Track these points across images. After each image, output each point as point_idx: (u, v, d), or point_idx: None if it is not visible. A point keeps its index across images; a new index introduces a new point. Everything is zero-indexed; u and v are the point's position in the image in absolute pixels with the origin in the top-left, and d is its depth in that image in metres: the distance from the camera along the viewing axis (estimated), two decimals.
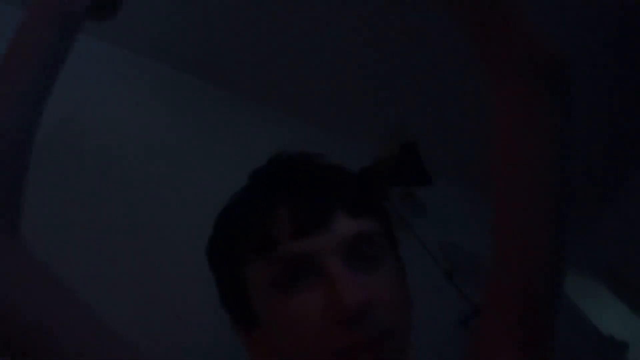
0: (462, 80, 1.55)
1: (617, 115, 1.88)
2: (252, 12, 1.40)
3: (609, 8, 1.57)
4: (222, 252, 0.57)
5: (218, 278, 0.58)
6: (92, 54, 1.26)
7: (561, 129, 0.57)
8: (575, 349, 1.56)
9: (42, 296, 0.48)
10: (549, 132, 0.57)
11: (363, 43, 1.51)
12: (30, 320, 0.46)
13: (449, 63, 1.56)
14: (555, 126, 0.57)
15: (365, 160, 1.42)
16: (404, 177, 1.56)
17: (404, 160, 1.57)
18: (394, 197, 1.49)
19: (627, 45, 1.70)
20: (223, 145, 1.41)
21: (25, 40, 0.55)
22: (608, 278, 1.94)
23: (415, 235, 1.44)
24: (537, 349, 0.54)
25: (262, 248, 0.51)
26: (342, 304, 0.46)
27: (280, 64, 1.48)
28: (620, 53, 1.73)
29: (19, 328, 0.46)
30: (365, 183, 0.58)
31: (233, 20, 1.40)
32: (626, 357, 1.68)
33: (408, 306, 0.54)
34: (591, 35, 1.67)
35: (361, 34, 1.50)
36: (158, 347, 1.04)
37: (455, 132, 1.71)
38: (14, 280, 0.47)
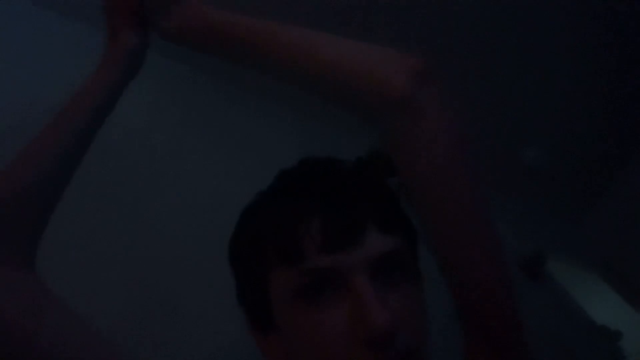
0: (459, 77, 1.56)
1: (613, 107, 1.88)
2: (254, 10, 1.39)
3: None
4: (246, 253, 0.55)
5: (239, 277, 0.57)
6: (93, 46, 1.26)
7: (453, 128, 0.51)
8: (570, 338, 1.58)
9: (59, 330, 0.47)
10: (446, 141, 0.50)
11: (359, 38, 1.50)
12: (47, 353, 0.45)
13: (445, 59, 1.56)
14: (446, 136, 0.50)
15: (360, 151, 1.42)
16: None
17: None
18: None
19: (626, 39, 1.71)
20: (223, 141, 1.41)
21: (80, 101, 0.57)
22: (602, 268, 1.96)
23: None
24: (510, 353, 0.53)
25: (290, 258, 0.49)
26: (370, 324, 0.45)
27: None
28: (619, 44, 1.73)
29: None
30: (395, 196, 0.56)
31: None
32: (619, 347, 1.70)
33: (428, 324, 0.53)
34: (590, 30, 1.68)
35: (358, 28, 1.50)
36: (158, 348, 1.05)
37: None
38: (31, 315, 0.46)
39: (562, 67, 1.73)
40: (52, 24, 1.29)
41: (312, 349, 0.48)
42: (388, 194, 0.56)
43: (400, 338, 0.46)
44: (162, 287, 1.12)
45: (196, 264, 1.13)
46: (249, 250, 0.55)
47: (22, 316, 0.45)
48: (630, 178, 1.98)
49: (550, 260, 1.71)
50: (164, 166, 1.28)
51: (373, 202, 0.52)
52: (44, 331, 0.46)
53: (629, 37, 1.68)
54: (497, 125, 1.80)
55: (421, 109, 0.50)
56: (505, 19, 1.61)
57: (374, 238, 0.50)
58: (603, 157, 1.97)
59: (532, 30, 1.63)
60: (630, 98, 1.83)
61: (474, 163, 0.52)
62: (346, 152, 0.61)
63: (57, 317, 0.48)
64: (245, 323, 0.57)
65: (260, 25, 0.55)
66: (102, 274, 1.09)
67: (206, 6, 0.58)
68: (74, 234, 1.08)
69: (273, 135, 1.43)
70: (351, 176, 0.55)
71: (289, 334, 0.51)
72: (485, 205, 0.52)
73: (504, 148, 1.86)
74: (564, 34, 1.66)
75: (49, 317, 0.47)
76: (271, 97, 1.50)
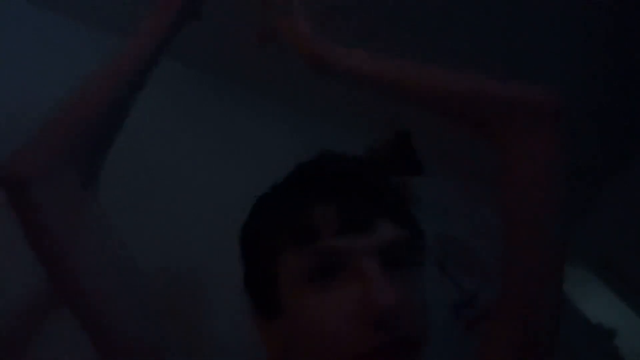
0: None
1: (614, 106, 1.89)
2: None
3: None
4: (258, 236, 0.57)
5: (248, 261, 0.59)
6: (93, 46, 1.26)
7: (562, 165, 0.59)
8: (564, 336, 1.59)
9: (92, 248, 0.52)
10: (554, 173, 0.58)
11: (359, 37, 1.51)
12: (74, 263, 0.50)
13: (444, 58, 1.57)
14: (557, 164, 0.59)
15: (360, 151, 1.42)
16: (397, 166, 1.57)
17: (397, 150, 1.57)
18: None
19: (625, 39, 1.71)
20: (223, 141, 1.41)
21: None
22: (597, 266, 1.97)
23: None
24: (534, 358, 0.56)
25: (305, 239, 0.51)
26: (376, 304, 0.46)
27: (280, 58, 1.48)
28: (617, 44, 1.74)
29: (73, 276, 0.50)
30: (406, 194, 0.61)
31: (239, 18, 1.38)
32: (614, 344, 1.71)
33: (428, 320, 0.55)
34: (589, 30, 1.68)
35: (358, 28, 1.50)
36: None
37: (450, 129, 1.72)
38: (71, 226, 0.52)
39: (561, 67, 1.73)
40: (51, 24, 1.29)
41: (316, 330, 0.49)
42: (401, 192, 0.60)
43: (404, 321, 0.48)
44: (162, 286, 1.12)
45: (196, 264, 1.13)
46: (262, 232, 0.57)
47: (63, 224, 0.51)
48: (629, 177, 1.99)
49: None
50: (164, 166, 1.28)
51: (387, 195, 0.56)
52: (78, 243, 0.51)
53: (629, 36, 1.69)
54: None
55: (555, 131, 0.58)
56: (505, 18, 1.61)
57: (386, 227, 0.53)
58: (603, 156, 1.98)
59: (531, 30, 1.64)
60: (631, 97, 1.84)
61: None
62: (339, 146, 0.62)
63: (95, 237, 0.54)
64: (250, 309, 0.58)
65: (385, 66, 0.66)
66: None
67: (316, 38, 0.69)
68: None
69: (273, 135, 1.43)
70: (368, 170, 0.59)
71: (294, 317, 0.52)
72: (563, 233, 0.59)
73: None
74: (564, 34, 1.67)
75: (87, 233, 0.53)
76: (271, 97, 1.50)
